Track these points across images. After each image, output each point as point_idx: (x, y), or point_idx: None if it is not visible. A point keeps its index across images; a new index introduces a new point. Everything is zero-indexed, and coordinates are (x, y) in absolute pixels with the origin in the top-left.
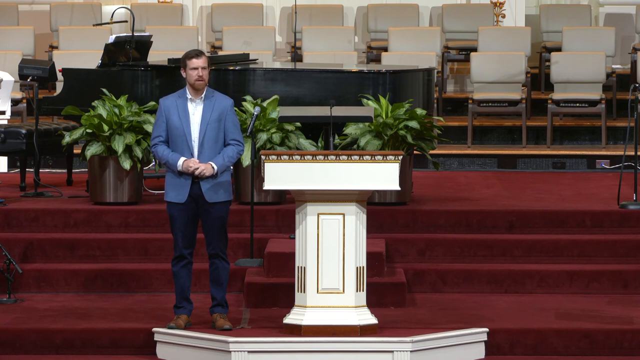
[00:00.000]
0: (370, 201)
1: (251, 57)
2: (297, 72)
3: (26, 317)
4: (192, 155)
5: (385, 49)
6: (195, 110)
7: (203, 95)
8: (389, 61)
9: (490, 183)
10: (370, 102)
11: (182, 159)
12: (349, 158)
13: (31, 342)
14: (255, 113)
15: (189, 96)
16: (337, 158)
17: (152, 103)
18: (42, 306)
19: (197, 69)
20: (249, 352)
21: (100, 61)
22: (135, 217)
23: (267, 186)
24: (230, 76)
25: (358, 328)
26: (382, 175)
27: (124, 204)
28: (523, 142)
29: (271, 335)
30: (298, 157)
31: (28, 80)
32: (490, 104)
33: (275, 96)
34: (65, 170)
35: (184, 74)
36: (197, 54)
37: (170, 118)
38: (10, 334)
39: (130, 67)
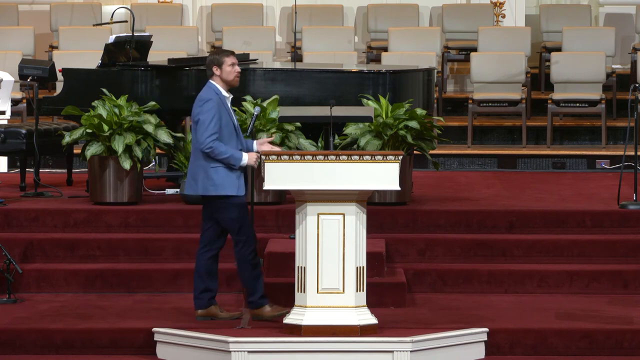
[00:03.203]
0: (370, 201)
1: (251, 57)
2: (297, 72)
3: (26, 317)
4: (242, 149)
5: (385, 49)
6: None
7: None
8: (389, 61)
9: (490, 183)
10: (370, 102)
11: (245, 154)
12: (349, 158)
13: (31, 342)
14: (255, 113)
15: (225, 94)
16: (337, 158)
17: (152, 103)
18: (42, 306)
19: (236, 65)
20: (249, 352)
21: (100, 61)
22: (135, 217)
23: (267, 186)
24: None
25: (358, 328)
26: (382, 175)
27: (124, 204)
28: (523, 142)
29: (271, 335)
30: (298, 157)
31: (28, 80)
32: (490, 104)
33: (275, 96)
34: (65, 170)
35: (217, 72)
36: (233, 52)
37: (222, 115)
38: (10, 334)
39: (130, 67)
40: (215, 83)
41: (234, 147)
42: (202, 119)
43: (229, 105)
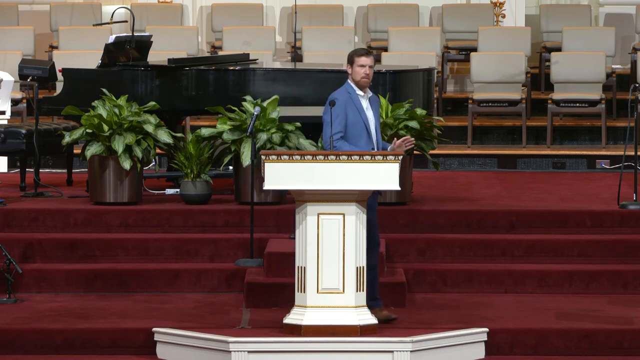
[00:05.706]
0: None
1: (251, 57)
2: (297, 72)
3: (26, 317)
4: (373, 149)
5: (385, 49)
6: (367, 106)
7: (369, 92)
8: (389, 61)
9: (490, 183)
10: None
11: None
12: (349, 158)
13: (31, 342)
14: (255, 113)
15: (359, 92)
16: (337, 158)
17: (152, 103)
18: (42, 306)
19: (365, 67)
20: (249, 352)
21: (100, 61)
22: (135, 217)
23: (267, 186)
24: (230, 76)
25: (358, 328)
26: (382, 175)
27: (124, 204)
28: (523, 142)
29: (271, 335)
30: (298, 157)
31: (28, 80)
32: (490, 104)
33: (275, 96)
34: (65, 170)
35: (349, 70)
36: (366, 52)
37: (349, 114)
38: (10, 334)
39: (130, 67)
40: (349, 81)
41: (363, 146)
42: (325, 118)
43: (365, 104)
